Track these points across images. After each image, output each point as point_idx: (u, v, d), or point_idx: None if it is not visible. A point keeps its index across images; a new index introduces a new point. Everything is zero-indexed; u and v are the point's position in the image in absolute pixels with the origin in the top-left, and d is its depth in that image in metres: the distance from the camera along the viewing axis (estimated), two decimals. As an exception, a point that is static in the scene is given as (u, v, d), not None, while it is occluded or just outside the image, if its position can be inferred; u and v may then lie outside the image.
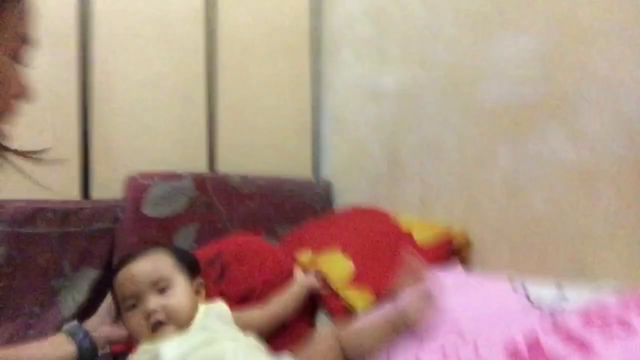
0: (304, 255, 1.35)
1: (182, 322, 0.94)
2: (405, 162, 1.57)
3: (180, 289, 0.98)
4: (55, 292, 1.53)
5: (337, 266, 1.28)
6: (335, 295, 1.22)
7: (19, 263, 1.50)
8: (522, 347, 0.80)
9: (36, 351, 0.91)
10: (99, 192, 1.69)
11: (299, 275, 1.25)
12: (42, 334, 1.46)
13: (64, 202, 1.60)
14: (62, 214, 1.57)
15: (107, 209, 1.62)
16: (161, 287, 0.96)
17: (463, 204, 1.36)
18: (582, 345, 0.76)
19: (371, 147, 1.73)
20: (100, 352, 1.42)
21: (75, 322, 1.01)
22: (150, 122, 1.77)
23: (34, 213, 1.54)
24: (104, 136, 1.70)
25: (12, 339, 1.45)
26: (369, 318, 1.04)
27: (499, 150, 1.24)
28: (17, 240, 1.50)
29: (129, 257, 1.01)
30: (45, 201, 1.58)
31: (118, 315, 1.02)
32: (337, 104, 1.94)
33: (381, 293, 1.21)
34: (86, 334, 0.98)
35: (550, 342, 0.79)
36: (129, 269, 0.97)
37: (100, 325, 1.02)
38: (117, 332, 1.02)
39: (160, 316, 0.93)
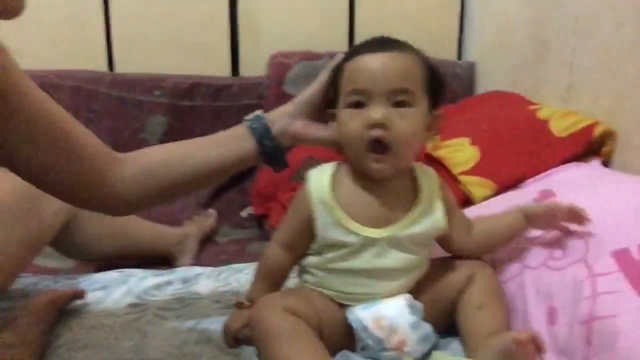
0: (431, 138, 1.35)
1: (401, 158, 0.78)
2: (553, 44, 1.43)
3: (419, 115, 0.77)
4: (209, 158, 1.73)
5: (462, 152, 1.27)
6: (454, 180, 1.22)
7: (180, 131, 1.70)
8: (635, 250, 0.76)
9: (211, 151, 0.80)
10: (246, 70, 1.81)
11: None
12: (199, 194, 1.68)
13: (216, 78, 1.76)
14: (215, 89, 1.73)
15: (254, 86, 1.75)
16: (400, 100, 0.75)
17: (612, 94, 1.23)
18: None
19: (519, 27, 1.59)
20: (245, 212, 1.61)
21: (258, 113, 0.85)
22: (294, 2, 1.80)
23: (191, 88, 1.71)
24: (250, 16, 1.78)
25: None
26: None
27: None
28: (176, 111, 1.70)
29: (377, 44, 0.78)
30: (201, 77, 1.74)
31: (325, 106, 0.82)
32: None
33: (503, 185, 1.19)
34: (268, 128, 0.81)
35: (669, 250, 0.74)
36: (374, 58, 0.75)
37: (293, 118, 0.82)
38: (311, 130, 0.82)
39: (385, 134, 0.74)
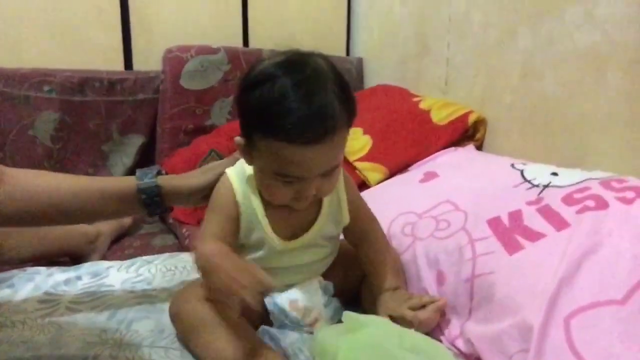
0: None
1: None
2: (431, 41, 1.59)
3: (340, 168, 0.80)
4: (105, 155, 1.70)
5: (356, 141, 1.38)
6: (351, 167, 1.33)
7: (72, 128, 1.65)
8: (505, 218, 0.90)
9: (99, 182, 0.88)
10: (139, 65, 1.79)
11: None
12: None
13: (109, 72, 1.72)
14: (108, 83, 1.69)
15: (149, 80, 1.74)
16: (328, 171, 0.77)
17: (482, 85, 1.40)
18: (559, 220, 0.85)
19: (401, 24, 1.73)
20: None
21: (154, 167, 0.90)
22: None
23: (83, 82, 1.66)
24: (142, 9, 1.76)
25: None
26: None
27: (519, 31, 1.24)
28: (69, 107, 1.64)
29: (313, 134, 0.71)
30: (92, 71, 1.70)
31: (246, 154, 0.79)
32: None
33: (393, 169, 1.31)
34: (152, 176, 0.87)
35: (531, 216, 0.88)
36: (308, 153, 0.72)
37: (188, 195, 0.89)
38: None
39: (314, 198, 0.79)
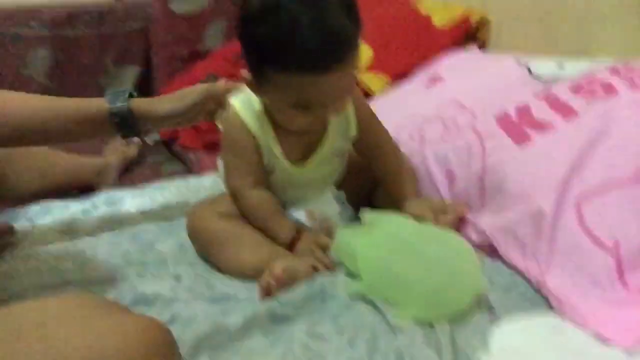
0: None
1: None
2: (427, -59, 1.52)
3: (354, 84, 0.79)
4: (102, 89, 1.68)
5: (356, 52, 1.35)
6: (353, 78, 1.31)
7: (66, 64, 1.63)
8: (512, 113, 0.89)
9: (71, 103, 0.85)
10: (127, -7, 1.74)
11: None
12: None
13: (97, 4, 1.67)
14: (97, 15, 1.65)
15: (139, 8, 1.69)
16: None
17: (484, -16, 1.35)
18: (567, 109, 0.84)
19: None
20: (151, 139, 1.61)
21: (126, 89, 0.89)
22: None
23: (71, 16, 1.62)
24: None
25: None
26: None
27: None
28: (60, 42, 1.61)
29: (331, 60, 0.68)
30: (80, 4, 1.65)
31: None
32: None
33: (396, 76, 1.29)
34: (124, 99, 0.86)
35: (539, 108, 0.88)
36: (324, 81, 0.69)
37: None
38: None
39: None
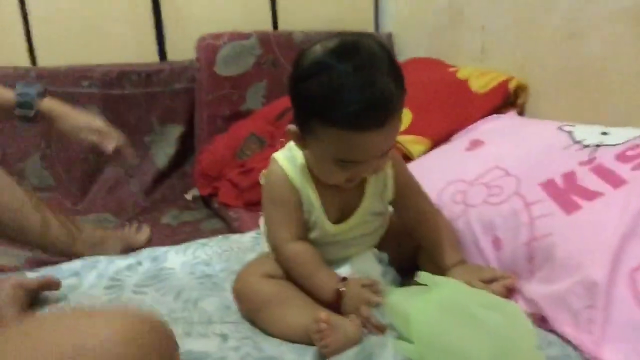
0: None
1: None
2: (465, 10, 1.57)
3: (393, 146, 0.81)
4: (147, 146, 1.74)
5: (396, 115, 1.38)
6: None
7: (113, 122, 1.68)
8: (558, 179, 0.89)
9: None
10: (173, 55, 1.82)
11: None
12: (141, 182, 1.70)
13: (145, 64, 1.75)
14: (145, 75, 1.72)
15: (184, 70, 1.76)
16: (385, 152, 0.77)
17: (522, 50, 1.38)
18: (615, 178, 0.84)
19: (432, -4, 1.72)
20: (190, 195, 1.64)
21: (36, 85, 1.13)
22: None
23: (120, 76, 1.70)
24: (172, 1, 1.78)
25: (117, 186, 1.70)
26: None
27: (559, -7, 1.22)
28: (108, 101, 1.68)
29: (374, 120, 0.71)
30: (128, 64, 1.73)
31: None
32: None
33: (436, 139, 1.31)
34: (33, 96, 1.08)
35: (586, 175, 0.88)
36: (369, 139, 0.72)
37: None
38: None
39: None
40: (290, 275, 0.84)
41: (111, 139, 1.14)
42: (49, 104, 1.13)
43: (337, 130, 0.72)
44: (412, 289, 0.75)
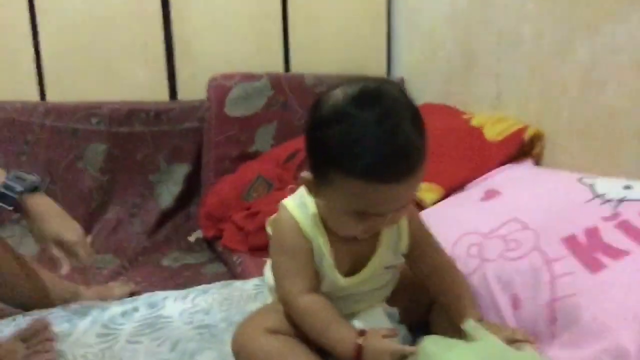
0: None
1: None
2: (479, 56, 1.55)
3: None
4: (152, 185, 1.71)
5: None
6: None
7: (120, 159, 1.67)
8: (582, 236, 0.84)
9: None
10: (184, 94, 1.81)
11: None
12: (144, 222, 1.66)
13: (155, 103, 1.74)
14: (154, 114, 1.71)
15: (194, 109, 1.75)
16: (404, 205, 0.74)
17: (538, 98, 1.35)
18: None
19: (445, 42, 1.71)
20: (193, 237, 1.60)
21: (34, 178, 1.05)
22: (227, 24, 1.82)
23: (129, 114, 1.68)
24: (185, 40, 1.78)
25: (119, 226, 1.66)
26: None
27: (577, 41, 1.20)
28: (116, 138, 1.67)
29: (397, 173, 0.67)
30: (138, 102, 1.72)
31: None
32: (412, -2, 1.89)
33: (449, 188, 1.26)
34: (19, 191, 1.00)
35: (610, 232, 0.83)
36: (388, 192, 0.68)
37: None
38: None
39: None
40: (302, 330, 0.78)
41: (73, 259, 1.03)
42: (34, 202, 1.02)
43: (357, 181, 0.67)
44: (448, 340, 0.70)
